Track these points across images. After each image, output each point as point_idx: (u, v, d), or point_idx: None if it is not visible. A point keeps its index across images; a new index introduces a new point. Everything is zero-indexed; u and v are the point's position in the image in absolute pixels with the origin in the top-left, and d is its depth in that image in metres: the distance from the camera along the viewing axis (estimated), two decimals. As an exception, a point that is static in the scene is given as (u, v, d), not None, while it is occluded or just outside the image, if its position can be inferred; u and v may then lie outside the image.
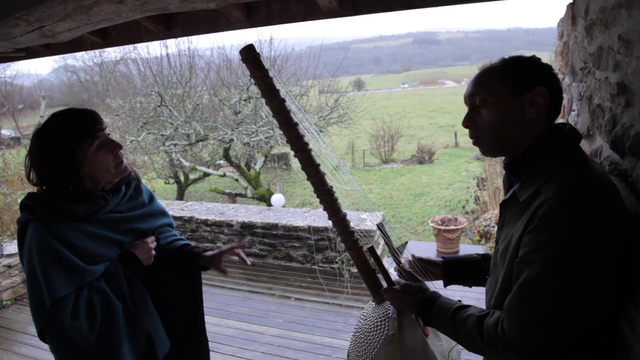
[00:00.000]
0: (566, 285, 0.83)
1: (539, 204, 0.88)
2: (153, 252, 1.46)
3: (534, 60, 1.01)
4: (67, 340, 1.27)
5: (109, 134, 1.35)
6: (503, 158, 1.08)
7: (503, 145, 1.03)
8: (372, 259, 1.38)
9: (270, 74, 1.33)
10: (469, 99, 1.06)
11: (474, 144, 1.09)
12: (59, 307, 1.23)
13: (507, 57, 1.05)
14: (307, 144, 1.36)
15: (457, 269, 1.33)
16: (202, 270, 1.64)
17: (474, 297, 3.54)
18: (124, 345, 1.31)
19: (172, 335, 1.53)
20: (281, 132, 8.45)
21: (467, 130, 1.09)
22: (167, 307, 1.54)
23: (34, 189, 1.36)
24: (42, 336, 1.31)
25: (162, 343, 1.47)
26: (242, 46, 1.32)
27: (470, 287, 1.35)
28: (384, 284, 1.31)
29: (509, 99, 0.99)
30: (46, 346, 1.33)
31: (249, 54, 1.31)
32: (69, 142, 1.26)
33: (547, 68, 1.01)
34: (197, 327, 1.67)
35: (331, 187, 1.38)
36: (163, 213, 1.61)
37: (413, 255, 1.34)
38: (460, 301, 1.12)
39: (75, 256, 1.27)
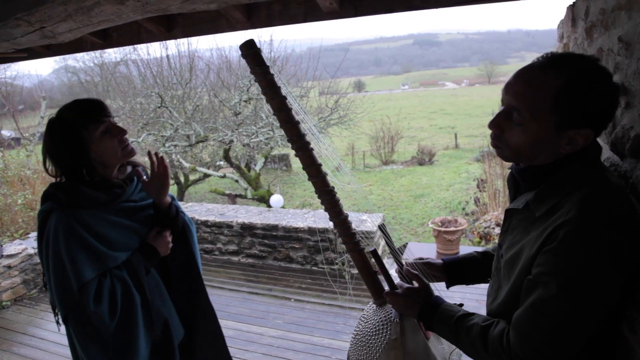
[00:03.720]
0: (582, 308, 0.83)
1: (559, 225, 0.84)
2: (170, 244, 1.53)
3: (599, 93, 0.86)
4: (89, 327, 1.30)
5: (115, 122, 1.43)
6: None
7: (522, 161, 0.98)
8: (373, 261, 1.37)
9: (272, 71, 1.31)
10: (507, 104, 0.94)
11: (494, 147, 1.01)
12: (83, 291, 1.28)
13: (574, 67, 0.87)
14: (308, 143, 1.33)
15: (458, 270, 1.33)
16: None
17: (474, 298, 3.55)
18: (140, 337, 1.35)
19: (185, 322, 1.57)
20: (281, 133, 8.35)
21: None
22: (176, 292, 1.57)
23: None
24: (66, 321, 1.34)
25: (177, 330, 1.51)
26: (242, 42, 1.29)
27: (472, 284, 1.35)
28: (386, 287, 1.31)
29: (549, 130, 0.89)
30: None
31: (250, 49, 1.28)
32: (77, 125, 1.35)
33: (608, 106, 0.88)
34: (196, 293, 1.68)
35: (333, 187, 1.36)
36: (172, 198, 1.69)
37: (411, 262, 1.33)
38: (462, 305, 1.12)
39: (98, 242, 1.34)
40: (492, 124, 0.96)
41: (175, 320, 1.52)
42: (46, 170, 1.40)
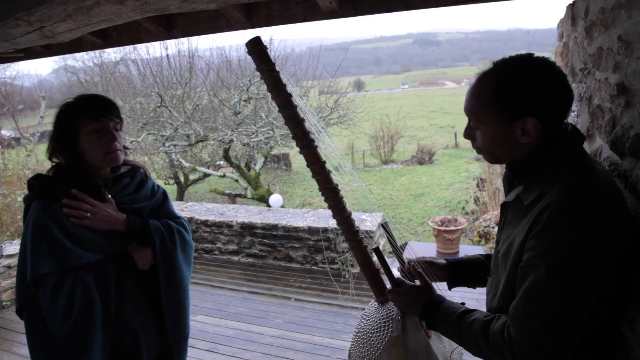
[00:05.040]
0: (571, 289, 0.83)
1: (542, 208, 0.88)
2: (151, 260, 1.48)
3: (527, 82, 0.93)
4: (41, 326, 1.27)
5: (118, 129, 1.44)
6: None
7: (501, 161, 1.04)
8: (375, 259, 1.37)
9: (277, 68, 1.31)
10: (466, 114, 1.05)
11: (477, 153, 1.10)
12: (39, 284, 1.26)
13: (502, 68, 0.97)
14: (313, 141, 1.34)
15: (462, 271, 1.32)
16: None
17: (474, 297, 3.55)
18: (95, 346, 1.30)
19: (165, 336, 1.51)
20: (281, 133, 8.34)
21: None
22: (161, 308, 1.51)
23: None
24: (20, 314, 1.32)
25: (150, 345, 1.45)
26: (249, 39, 1.30)
27: (475, 288, 1.34)
28: (388, 284, 1.31)
29: (498, 125, 0.97)
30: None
31: (256, 47, 1.29)
32: (74, 114, 1.39)
33: (543, 91, 0.93)
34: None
35: (336, 185, 1.37)
36: (173, 217, 1.62)
37: (414, 260, 1.33)
38: (464, 304, 1.12)
39: (66, 238, 1.31)
40: (464, 134, 1.08)
41: (151, 335, 1.46)
42: (48, 156, 1.44)
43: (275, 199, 7.71)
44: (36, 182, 1.37)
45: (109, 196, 1.44)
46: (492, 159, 1.05)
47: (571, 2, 1.54)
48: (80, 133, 1.37)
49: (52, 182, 1.37)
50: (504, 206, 1.08)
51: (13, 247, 4.31)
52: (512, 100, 0.94)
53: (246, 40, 1.30)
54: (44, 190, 1.35)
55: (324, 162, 1.35)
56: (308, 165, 1.36)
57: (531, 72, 0.94)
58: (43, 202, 1.33)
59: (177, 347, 1.55)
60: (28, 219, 1.33)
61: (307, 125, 1.35)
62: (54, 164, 1.44)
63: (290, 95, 1.32)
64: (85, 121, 1.37)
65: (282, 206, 7.93)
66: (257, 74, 1.35)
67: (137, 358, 1.40)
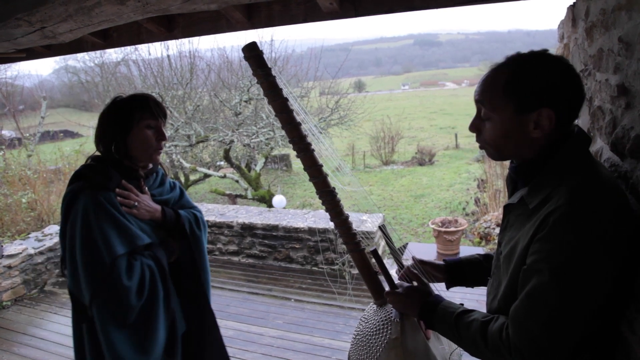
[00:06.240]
0: (574, 294, 0.83)
1: (549, 212, 0.87)
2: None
3: (544, 72, 0.93)
4: (115, 306, 1.32)
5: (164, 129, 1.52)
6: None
7: (506, 156, 1.03)
8: (373, 261, 1.37)
9: (273, 72, 1.33)
10: (476, 104, 1.04)
11: (480, 148, 1.08)
12: (115, 265, 1.32)
13: (518, 59, 0.97)
14: (309, 144, 1.35)
15: (460, 271, 1.33)
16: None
17: (474, 298, 3.55)
18: (160, 325, 1.40)
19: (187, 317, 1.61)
20: (282, 134, 8.34)
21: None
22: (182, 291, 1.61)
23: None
24: (89, 306, 1.33)
25: (180, 323, 1.55)
26: (245, 44, 1.32)
27: (473, 287, 1.35)
28: (386, 286, 1.31)
29: (511, 117, 0.95)
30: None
31: (252, 52, 1.31)
32: (133, 107, 1.45)
33: (559, 82, 0.92)
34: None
35: (334, 188, 1.37)
36: (192, 207, 1.76)
37: (414, 258, 1.33)
38: (462, 304, 1.12)
39: (127, 221, 1.41)
40: (470, 126, 1.05)
41: (179, 314, 1.56)
42: (95, 142, 1.49)
43: (278, 199, 7.67)
44: (91, 172, 1.41)
45: (146, 188, 1.54)
46: (497, 154, 1.04)
47: (572, 4, 1.54)
48: (135, 126, 1.44)
49: (106, 171, 1.42)
50: (507, 208, 1.07)
51: (14, 247, 4.32)
52: (529, 88, 0.93)
53: (247, 42, 1.31)
54: (100, 177, 1.40)
55: (321, 166, 1.36)
56: (305, 169, 1.36)
57: (547, 64, 0.94)
58: (97, 191, 1.37)
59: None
60: (85, 209, 1.34)
61: (305, 127, 1.36)
62: (94, 154, 1.49)
63: (286, 99, 1.33)
64: (143, 115, 1.44)
65: (283, 207, 7.92)
66: (257, 75, 1.36)
67: (174, 334, 1.50)
